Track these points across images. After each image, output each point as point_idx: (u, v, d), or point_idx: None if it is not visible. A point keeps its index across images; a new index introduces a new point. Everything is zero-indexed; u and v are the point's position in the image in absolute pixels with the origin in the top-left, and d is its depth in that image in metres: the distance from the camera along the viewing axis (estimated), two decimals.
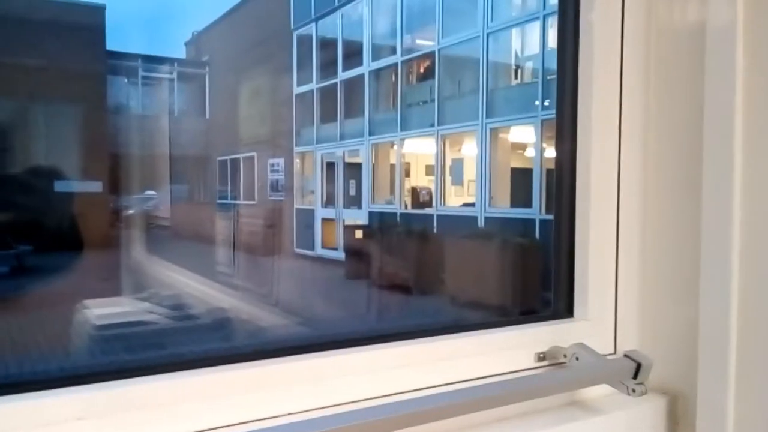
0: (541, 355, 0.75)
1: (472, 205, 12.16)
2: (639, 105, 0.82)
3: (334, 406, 0.63)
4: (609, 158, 0.81)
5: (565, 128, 0.83)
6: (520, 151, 12.36)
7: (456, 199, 13.30)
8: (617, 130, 0.82)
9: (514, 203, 11.62)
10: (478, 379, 0.70)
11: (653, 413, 0.78)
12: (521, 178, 11.52)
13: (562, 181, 0.83)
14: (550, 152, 10.72)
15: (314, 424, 0.56)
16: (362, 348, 0.67)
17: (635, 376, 0.71)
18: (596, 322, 0.80)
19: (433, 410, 0.60)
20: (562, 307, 0.82)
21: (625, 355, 0.73)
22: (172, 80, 12.28)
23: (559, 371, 0.75)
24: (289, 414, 0.61)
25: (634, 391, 0.71)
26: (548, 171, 10.56)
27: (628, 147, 0.82)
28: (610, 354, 0.81)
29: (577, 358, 0.73)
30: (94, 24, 7.87)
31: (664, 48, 0.82)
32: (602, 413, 0.74)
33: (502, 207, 11.59)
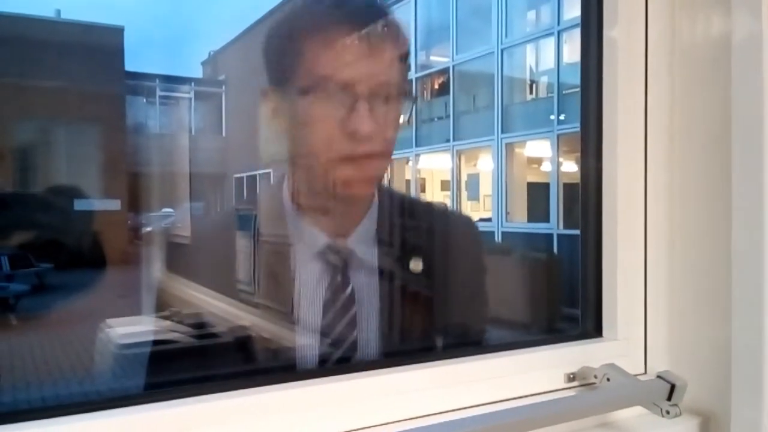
0: (571, 376, 0.74)
1: (489, 220, 12.13)
2: (665, 120, 0.81)
3: (359, 430, 0.62)
4: (635, 175, 0.80)
5: (590, 144, 0.82)
6: (536, 166, 12.34)
7: (473, 215, 13.27)
8: (643, 147, 0.81)
9: (531, 218, 11.57)
10: (507, 400, 0.69)
11: None
12: (538, 192, 11.48)
13: (588, 198, 0.82)
14: (567, 167, 10.70)
15: None
16: (386, 370, 0.67)
17: (669, 398, 0.70)
18: (626, 342, 0.79)
19: None
20: (591, 327, 0.80)
21: (659, 376, 0.71)
22: (189, 99, 12.44)
23: (592, 393, 0.73)
24: None
25: (668, 412, 0.70)
26: (565, 185, 10.51)
27: (655, 163, 0.81)
28: (641, 374, 0.79)
29: (608, 379, 0.71)
30: (112, 45, 8.02)
31: (688, 61, 0.81)
32: None
33: (519, 222, 11.55)
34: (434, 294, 1.00)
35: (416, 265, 0.97)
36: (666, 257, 0.81)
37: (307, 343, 0.93)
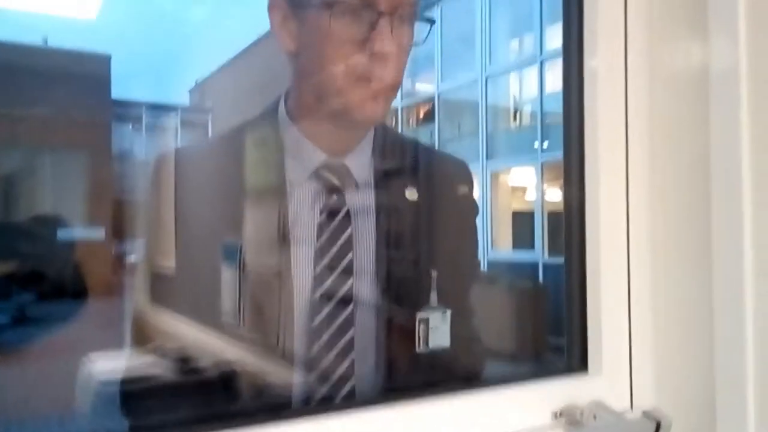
0: (558, 413, 0.72)
1: None
2: (645, 150, 0.81)
3: None
4: (618, 206, 0.80)
5: (572, 174, 0.82)
6: (521, 194, 12.42)
7: None
8: (625, 176, 0.81)
9: (516, 246, 11.61)
10: None
11: None
12: (522, 220, 11.55)
13: (572, 229, 0.82)
14: (551, 194, 10.79)
15: None
16: (362, 409, 0.65)
17: None
18: (611, 377, 0.78)
19: None
20: (576, 360, 0.79)
21: (644, 414, 0.70)
22: (175, 127, 12.44)
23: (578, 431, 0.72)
24: None
25: None
26: (550, 213, 10.58)
27: (637, 195, 0.81)
28: (626, 411, 0.78)
29: (594, 417, 0.70)
30: (99, 73, 8.02)
31: (668, 91, 0.82)
32: None
33: (505, 250, 11.58)
34: (428, 226, 0.98)
35: (411, 194, 0.96)
36: (649, 291, 0.80)
37: (301, 284, 0.89)
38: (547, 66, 10.90)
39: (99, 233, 7.50)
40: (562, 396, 0.73)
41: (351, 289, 0.90)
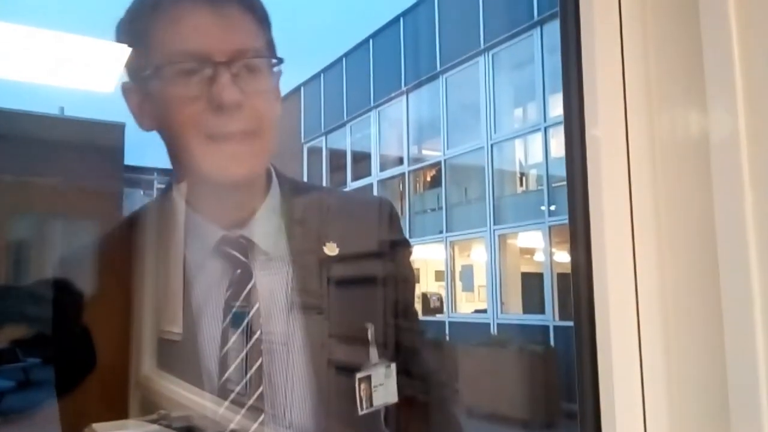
0: None
1: (484, 311, 12.01)
2: (651, 216, 0.83)
3: None
4: (625, 270, 0.81)
5: (578, 240, 0.84)
6: (529, 256, 12.37)
7: (467, 305, 13.17)
8: (631, 241, 0.82)
9: (527, 309, 11.49)
10: None
11: None
12: (532, 283, 11.47)
13: (580, 295, 0.82)
14: (559, 257, 10.74)
15: None
16: None
17: None
18: None
19: None
20: (589, 428, 0.78)
21: None
22: None
23: None
24: None
25: None
26: (559, 275, 10.51)
27: (644, 258, 0.81)
28: None
29: None
30: (113, 141, 8.22)
31: (670, 159, 0.83)
32: None
33: (515, 313, 11.45)
34: (355, 277, 0.92)
35: (331, 248, 0.90)
36: (662, 355, 0.80)
37: (211, 368, 0.84)
38: (551, 132, 11.07)
39: None
40: None
41: (261, 367, 0.85)
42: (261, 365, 0.86)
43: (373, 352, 0.88)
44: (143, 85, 0.88)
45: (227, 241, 0.88)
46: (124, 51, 0.91)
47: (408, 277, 1.03)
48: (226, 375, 0.86)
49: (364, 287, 0.94)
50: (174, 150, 0.88)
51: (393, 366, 0.90)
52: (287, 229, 0.91)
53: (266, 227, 0.90)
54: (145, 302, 0.88)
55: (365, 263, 0.95)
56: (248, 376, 0.85)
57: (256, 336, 0.85)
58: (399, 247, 1.01)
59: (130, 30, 0.89)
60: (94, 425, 0.80)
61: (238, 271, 0.87)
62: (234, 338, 0.85)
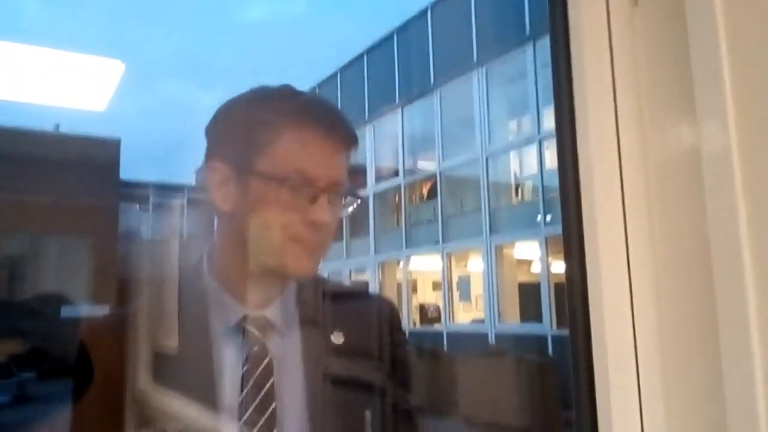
0: None
1: (482, 321, 12.00)
2: (644, 229, 0.84)
3: None
4: (619, 279, 0.82)
5: (573, 251, 0.85)
6: (526, 266, 12.38)
7: (465, 315, 13.15)
8: (625, 252, 0.83)
9: (524, 318, 11.47)
10: None
11: None
12: (529, 293, 11.46)
13: (575, 303, 0.83)
14: (556, 267, 10.74)
15: None
16: None
17: None
18: None
19: None
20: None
21: None
22: (182, 206, 12.61)
23: None
24: None
25: None
26: (556, 285, 10.51)
27: (638, 271, 0.83)
28: None
29: None
30: (109, 157, 8.22)
31: (662, 172, 0.84)
32: None
33: (512, 322, 11.44)
34: (356, 367, 1.01)
35: (337, 337, 1.00)
36: (658, 363, 0.81)
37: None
38: (546, 144, 11.11)
39: (103, 310, 7.46)
40: None
41: None
42: None
43: None
44: (239, 174, 0.95)
45: (249, 320, 0.97)
46: (118, 67, 0.95)
47: (406, 370, 1.12)
48: None
49: (363, 376, 1.02)
50: (240, 234, 0.96)
51: None
52: (301, 313, 1.00)
53: (284, 309, 1.00)
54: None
55: (367, 354, 1.04)
56: None
57: (272, 407, 0.92)
58: (398, 343, 1.10)
59: (251, 130, 0.95)
60: None
61: (255, 347, 0.96)
62: (251, 410, 0.92)
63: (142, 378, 0.98)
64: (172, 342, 0.95)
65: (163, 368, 0.93)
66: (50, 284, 7.68)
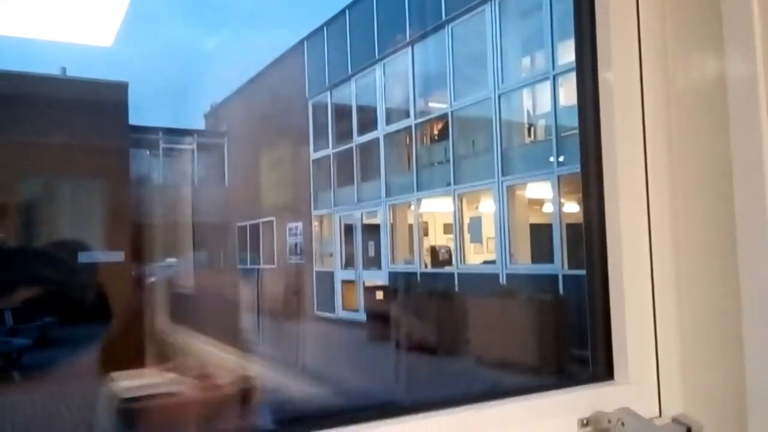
0: (585, 422, 0.72)
1: (493, 262, 12.08)
2: (664, 160, 0.82)
3: None
4: (638, 216, 0.81)
5: (591, 186, 0.83)
6: (538, 207, 12.35)
7: (476, 257, 13.24)
8: (645, 187, 0.81)
9: (535, 259, 11.52)
10: None
11: None
12: (540, 233, 11.48)
13: (592, 240, 0.82)
14: (568, 207, 10.71)
15: None
16: (388, 421, 0.65)
17: None
18: (639, 384, 0.78)
19: None
20: (602, 370, 0.79)
21: (674, 420, 0.70)
22: (192, 151, 12.59)
23: None
24: None
25: None
26: (568, 226, 10.51)
27: (657, 204, 0.81)
28: (655, 417, 0.78)
29: (622, 424, 0.70)
30: (117, 101, 8.17)
31: (684, 102, 0.82)
32: None
33: (524, 263, 11.50)
34: None
35: None
36: (674, 297, 0.80)
37: None
38: (560, 81, 10.88)
39: (118, 256, 7.57)
40: (589, 404, 0.73)
41: None
42: None
43: None
44: None
45: None
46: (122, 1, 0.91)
47: None
48: None
49: None
50: None
51: None
52: None
53: None
54: None
55: None
56: None
57: None
58: None
59: None
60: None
61: None
62: None
63: (160, 317, 1.00)
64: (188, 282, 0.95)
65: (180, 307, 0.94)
66: (65, 230, 7.78)
